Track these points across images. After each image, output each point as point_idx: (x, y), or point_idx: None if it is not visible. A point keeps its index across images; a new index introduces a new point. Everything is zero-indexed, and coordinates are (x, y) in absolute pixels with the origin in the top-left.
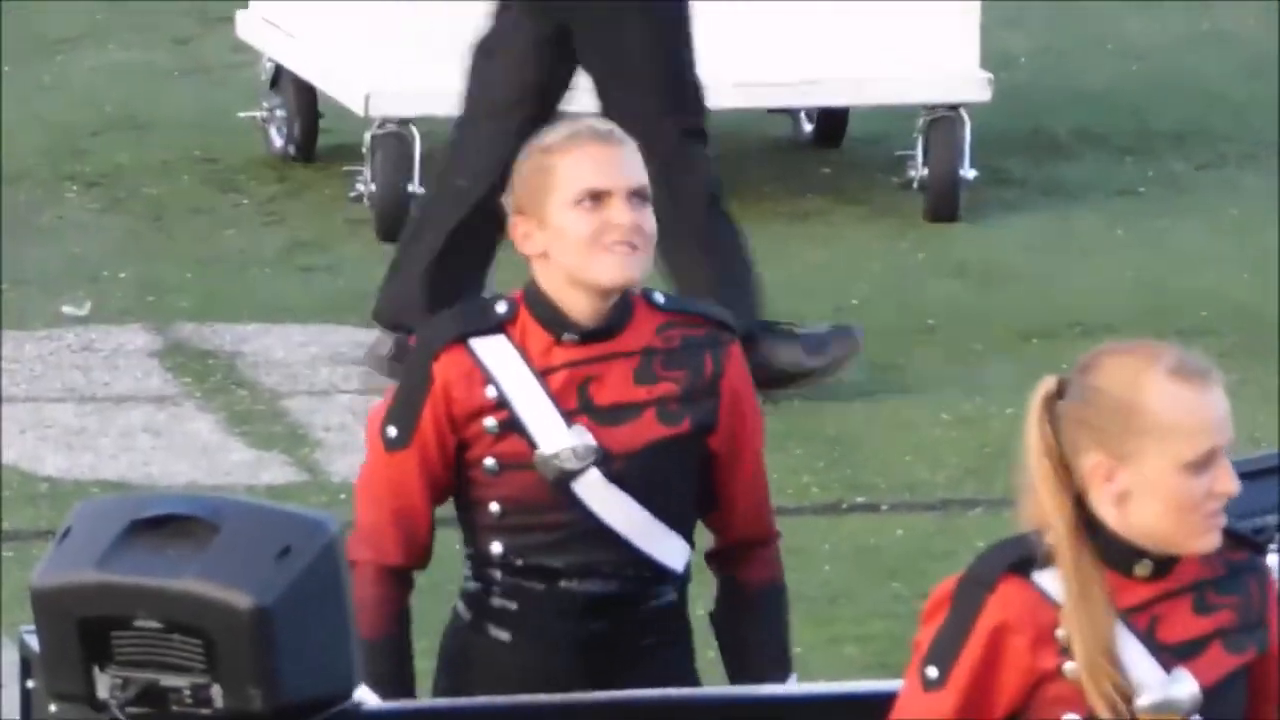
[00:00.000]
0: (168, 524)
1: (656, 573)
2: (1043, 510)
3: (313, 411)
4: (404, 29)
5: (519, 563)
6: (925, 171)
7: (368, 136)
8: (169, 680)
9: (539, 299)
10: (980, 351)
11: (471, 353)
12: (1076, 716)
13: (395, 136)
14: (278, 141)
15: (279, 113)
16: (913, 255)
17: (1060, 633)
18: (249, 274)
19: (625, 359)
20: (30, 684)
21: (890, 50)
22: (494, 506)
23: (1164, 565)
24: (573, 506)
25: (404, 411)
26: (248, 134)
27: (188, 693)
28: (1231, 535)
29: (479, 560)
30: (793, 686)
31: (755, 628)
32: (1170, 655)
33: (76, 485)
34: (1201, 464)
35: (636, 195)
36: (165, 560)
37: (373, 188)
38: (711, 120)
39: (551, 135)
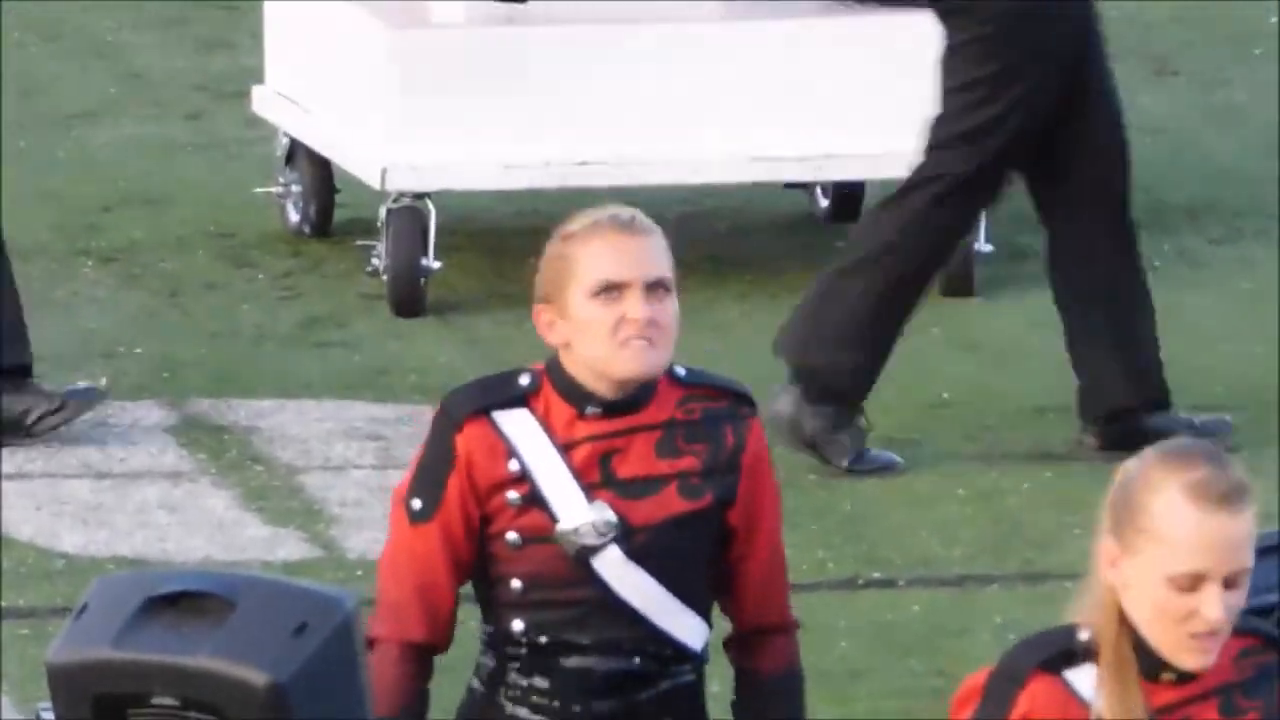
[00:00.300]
0: (183, 600)
1: (675, 651)
2: (1092, 597)
3: (328, 487)
4: (420, 103)
5: (539, 640)
6: None
7: (383, 211)
8: None
9: (562, 375)
10: (995, 426)
11: (495, 425)
12: None
13: (410, 210)
14: (293, 217)
15: (294, 188)
16: (927, 330)
17: None
18: (264, 349)
19: (648, 432)
20: None
21: (905, 124)
22: (515, 583)
23: (1189, 673)
24: (593, 583)
25: (428, 483)
26: (263, 209)
27: None
28: (1262, 637)
29: (498, 637)
30: None
31: (774, 717)
32: None
33: (92, 562)
34: (1186, 583)
35: (656, 287)
36: (181, 637)
37: (387, 262)
38: (726, 195)
39: (574, 223)
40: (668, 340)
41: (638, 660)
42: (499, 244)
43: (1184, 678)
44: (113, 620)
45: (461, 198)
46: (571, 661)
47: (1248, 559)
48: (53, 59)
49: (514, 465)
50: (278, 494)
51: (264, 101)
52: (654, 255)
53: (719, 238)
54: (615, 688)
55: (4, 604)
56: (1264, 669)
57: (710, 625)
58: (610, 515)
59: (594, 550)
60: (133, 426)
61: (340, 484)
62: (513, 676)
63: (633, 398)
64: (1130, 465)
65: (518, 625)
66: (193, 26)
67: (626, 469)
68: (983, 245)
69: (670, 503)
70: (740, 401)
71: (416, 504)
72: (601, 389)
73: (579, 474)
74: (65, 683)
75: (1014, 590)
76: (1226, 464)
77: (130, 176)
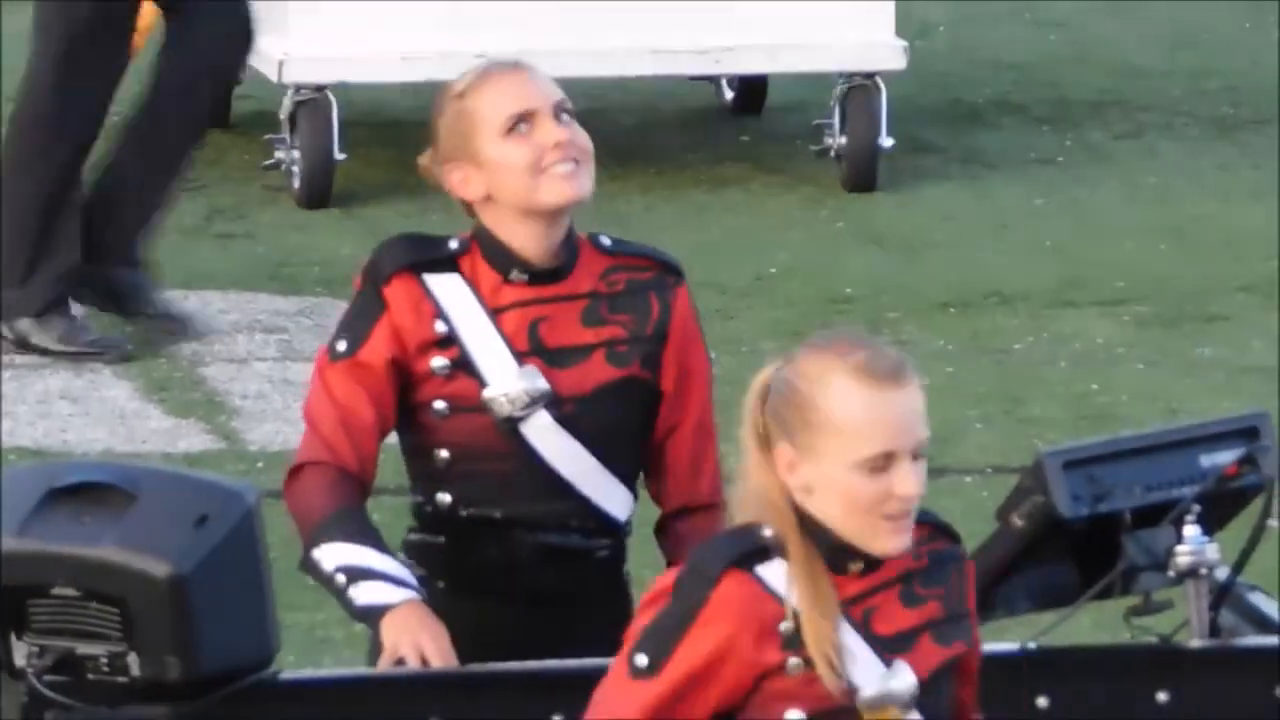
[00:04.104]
0: (85, 492)
1: (601, 524)
2: (761, 503)
3: (230, 379)
4: None
5: (466, 513)
6: (843, 140)
7: (285, 103)
8: (86, 648)
9: (487, 238)
10: (898, 320)
11: (423, 284)
12: (799, 713)
13: (314, 103)
14: None
15: None
16: (831, 224)
17: (784, 627)
18: (167, 241)
19: (573, 301)
20: None
21: (805, 18)
22: (442, 453)
23: (875, 562)
24: (521, 452)
25: (354, 327)
26: None
27: (104, 661)
28: (932, 525)
29: (425, 511)
30: None
31: None
32: (885, 648)
33: None
34: (876, 465)
35: (561, 110)
36: (82, 528)
37: (294, 155)
38: (632, 89)
39: (461, 81)
40: (589, 160)
41: (564, 533)
42: (401, 136)
43: (869, 568)
44: (14, 511)
45: (363, 90)
46: (498, 534)
47: (925, 429)
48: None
49: (440, 326)
50: (180, 385)
51: None
52: (549, 84)
53: (624, 131)
54: (541, 560)
55: None
56: (938, 556)
57: (636, 496)
58: (541, 382)
59: (522, 418)
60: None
61: (242, 376)
62: (439, 552)
63: (558, 265)
64: (778, 370)
65: (444, 497)
66: None
67: (554, 338)
68: (884, 140)
69: (597, 371)
70: (666, 271)
71: (341, 344)
72: (529, 245)
73: (508, 340)
74: None
75: None
76: (883, 343)
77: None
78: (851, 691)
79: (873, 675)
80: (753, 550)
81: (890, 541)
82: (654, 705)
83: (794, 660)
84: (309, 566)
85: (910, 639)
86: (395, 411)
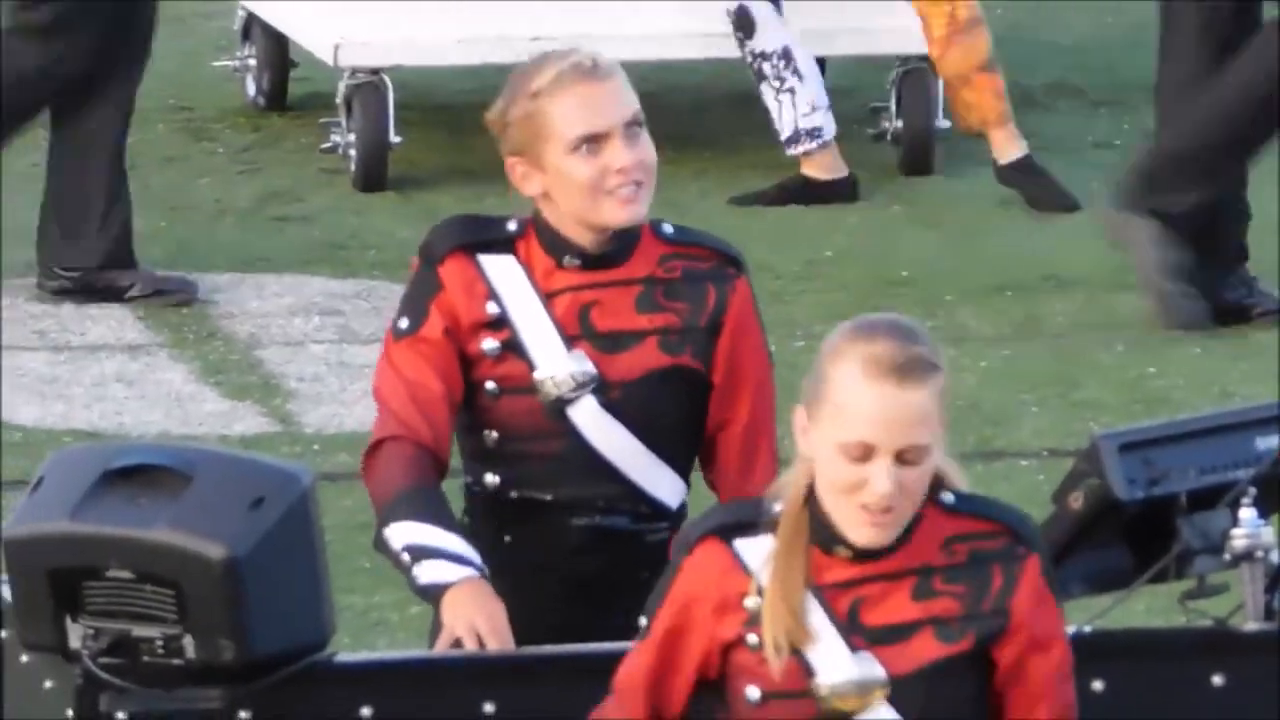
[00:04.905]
0: (140, 474)
1: (651, 509)
2: (789, 477)
3: (286, 362)
4: None
5: (514, 495)
6: (899, 124)
7: (341, 86)
8: (141, 631)
9: (544, 224)
10: (953, 304)
11: (477, 264)
12: (757, 689)
13: (370, 86)
14: (250, 91)
15: (251, 62)
16: (887, 208)
17: (749, 602)
18: (223, 223)
19: (628, 287)
20: (2, 634)
21: (860, 1)
22: (491, 433)
23: (866, 553)
24: (568, 435)
25: (413, 306)
26: (223, 83)
27: (159, 643)
28: (1001, 524)
29: (475, 492)
30: None
31: None
32: (866, 637)
33: (49, 435)
34: (854, 454)
35: (632, 126)
36: (137, 510)
37: (350, 138)
38: (686, 72)
39: (538, 77)
40: (651, 179)
41: (614, 517)
42: (457, 119)
43: (862, 556)
44: (69, 493)
45: (419, 73)
46: (547, 518)
47: (921, 436)
48: None
49: (493, 308)
50: (235, 368)
51: None
52: (624, 95)
53: (678, 115)
54: (590, 545)
55: None
56: (981, 555)
57: (688, 484)
58: (589, 366)
59: (570, 401)
60: (90, 299)
61: (298, 359)
62: (488, 533)
63: (614, 250)
64: (828, 337)
65: (492, 479)
66: None
67: (605, 322)
68: (941, 121)
69: (649, 357)
70: (727, 262)
71: (403, 322)
72: (583, 240)
73: (559, 323)
74: (20, 556)
75: (970, 467)
76: (914, 340)
77: None
78: (806, 675)
79: (836, 662)
80: (739, 522)
81: (862, 533)
82: (649, 665)
83: (752, 637)
84: (380, 545)
85: (904, 632)
86: (461, 383)
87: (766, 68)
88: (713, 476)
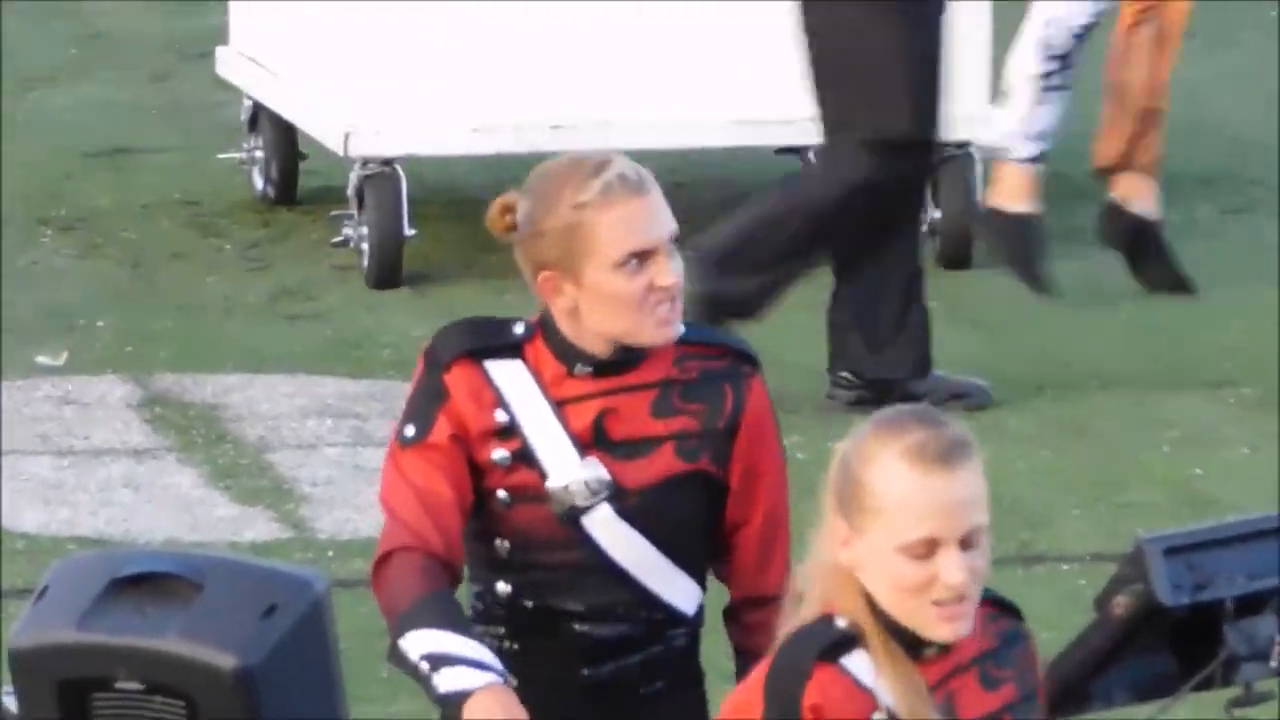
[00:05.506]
0: (149, 582)
1: (668, 616)
2: (829, 580)
3: (299, 465)
4: (386, 66)
5: (527, 604)
6: (936, 214)
7: (352, 177)
8: None
9: (554, 332)
10: (993, 404)
11: (484, 371)
12: None
13: (382, 177)
14: (259, 184)
15: (258, 153)
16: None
17: (877, 716)
18: (232, 322)
19: (642, 391)
20: None
21: None
22: (502, 543)
23: (946, 645)
24: (583, 544)
25: (419, 414)
26: (230, 176)
27: None
28: (994, 602)
29: (485, 600)
30: None
31: None
32: None
33: (54, 542)
34: (920, 551)
35: (673, 242)
36: (146, 620)
37: (363, 231)
38: (713, 163)
39: (582, 189)
40: (682, 295)
41: (629, 625)
42: (473, 212)
43: (944, 649)
44: (76, 602)
45: (433, 163)
46: (560, 626)
47: (980, 516)
48: (10, 17)
49: (501, 416)
50: (246, 472)
51: (227, 63)
52: (666, 210)
53: (705, 208)
54: (606, 653)
55: None
56: (1006, 635)
57: (704, 588)
58: (603, 473)
59: (584, 510)
60: (95, 402)
61: (311, 462)
62: (500, 642)
63: (627, 356)
64: (846, 443)
65: (504, 587)
66: None
67: (621, 429)
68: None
69: (666, 463)
70: (742, 359)
71: (409, 430)
72: (597, 349)
73: (572, 433)
74: (27, 667)
75: (1009, 572)
76: (942, 423)
77: (92, 141)
78: None
79: None
80: (836, 642)
81: (942, 629)
82: None
83: None
84: (396, 657)
85: None
86: (471, 489)
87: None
88: (726, 572)
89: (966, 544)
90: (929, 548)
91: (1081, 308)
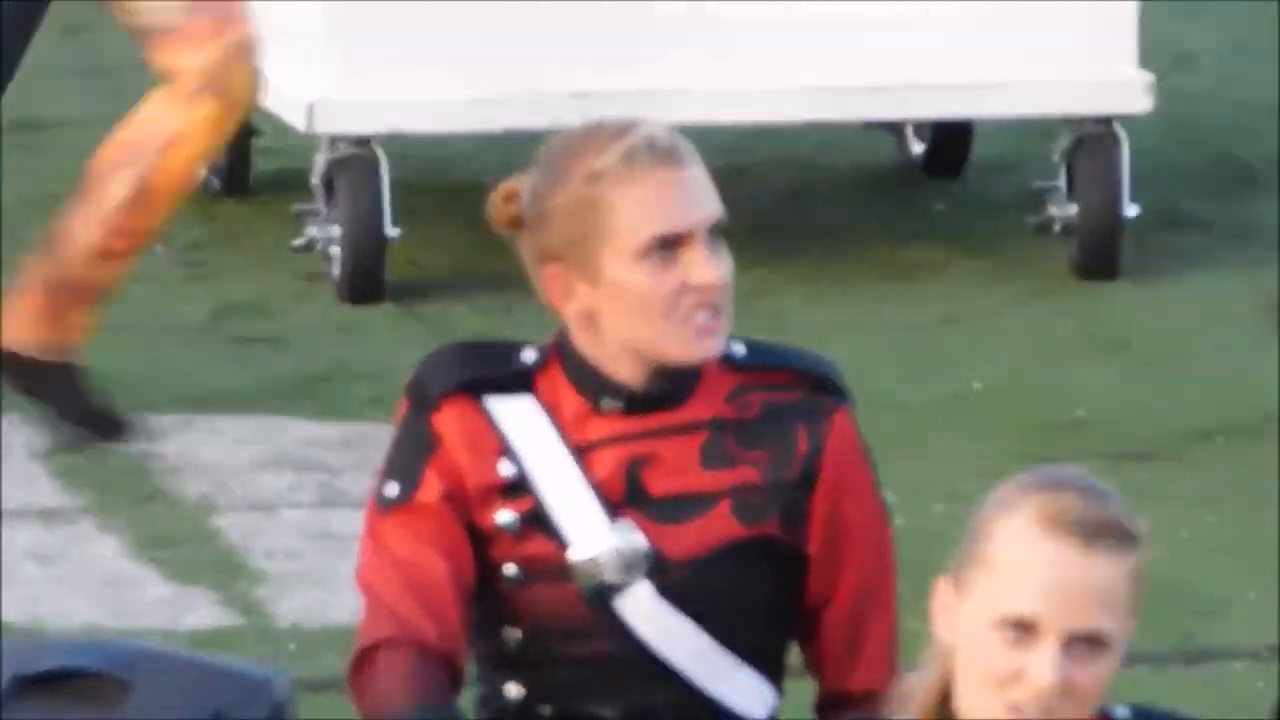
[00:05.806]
0: (64, 681)
1: None
2: (920, 685)
3: (252, 533)
4: (362, 20)
5: (545, 711)
6: (1072, 210)
7: (319, 161)
8: None
9: (574, 356)
10: (1145, 453)
11: (484, 410)
12: None
13: (357, 161)
14: (201, 170)
15: None
16: (1056, 324)
17: None
18: (165, 347)
19: (689, 434)
20: None
21: (1019, 47)
22: (513, 632)
23: None
24: (615, 632)
25: (402, 468)
26: None
27: None
28: None
29: (491, 706)
30: None
31: None
32: None
33: None
34: (1013, 632)
35: (715, 231)
36: None
37: (332, 231)
38: (782, 141)
39: (597, 155)
40: (730, 300)
41: None
42: (474, 205)
43: None
44: None
45: (423, 143)
46: None
47: (1102, 620)
48: None
49: (507, 469)
50: (185, 540)
51: None
52: (707, 188)
53: (774, 199)
54: None
55: None
56: None
57: (780, 687)
58: (640, 541)
59: (616, 589)
60: None
61: (268, 528)
62: None
63: (669, 389)
64: (994, 491)
65: (514, 690)
66: None
67: (661, 484)
68: (1127, 209)
69: (720, 528)
70: (820, 388)
71: (390, 489)
72: (628, 376)
73: (598, 487)
74: None
75: (1166, 672)
76: (1109, 501)
77: None
78: None
79: None
80: None
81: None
82: None
83: None
84: None
85: None
86: (472, 560)
87: None
88: (811, 656)
89: (1073, 646)
90: (1026, 631)
91: (1256, 327)
